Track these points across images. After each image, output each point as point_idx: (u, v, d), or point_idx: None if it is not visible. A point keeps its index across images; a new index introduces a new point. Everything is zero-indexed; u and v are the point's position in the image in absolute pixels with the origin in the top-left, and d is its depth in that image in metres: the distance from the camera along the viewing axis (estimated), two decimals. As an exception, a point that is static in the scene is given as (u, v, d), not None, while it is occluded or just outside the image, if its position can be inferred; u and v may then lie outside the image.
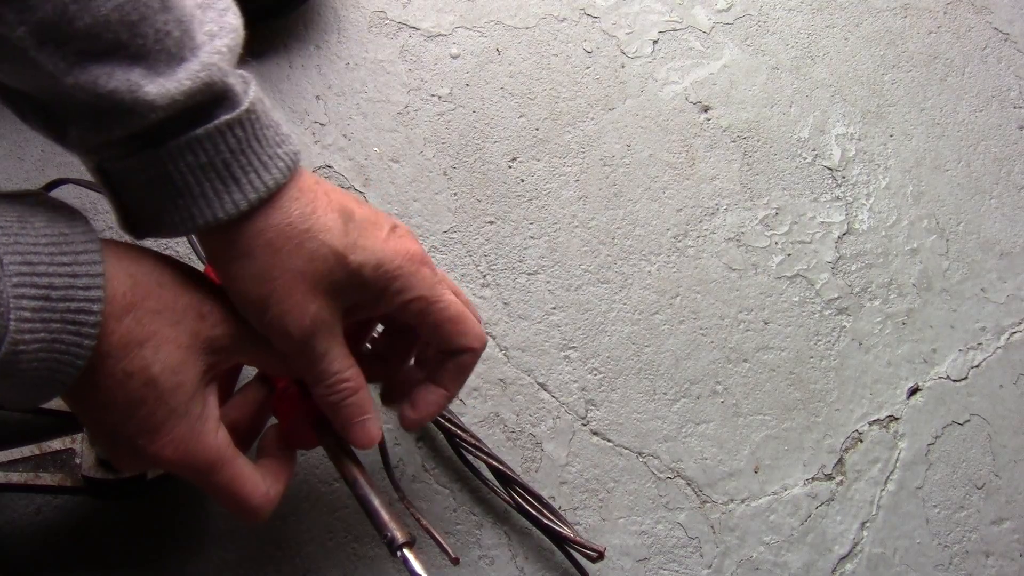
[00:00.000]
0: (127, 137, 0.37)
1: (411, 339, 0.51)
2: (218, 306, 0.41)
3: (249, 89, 0.39)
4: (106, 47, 0.35)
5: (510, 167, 0.69)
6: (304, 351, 0.43)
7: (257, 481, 0.43)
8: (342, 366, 0.44)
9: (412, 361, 0.52)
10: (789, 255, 0.71)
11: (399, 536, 0.45)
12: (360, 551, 0.57)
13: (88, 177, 0.43)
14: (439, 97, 0.71)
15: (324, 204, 0.42)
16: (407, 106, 0.70)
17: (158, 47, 0.36)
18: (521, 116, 0.71)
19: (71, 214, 0.37)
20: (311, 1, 0.70)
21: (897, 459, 0.66)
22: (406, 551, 0.45)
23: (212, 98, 0.38)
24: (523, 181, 0.69)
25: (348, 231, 0.42)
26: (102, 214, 0.62)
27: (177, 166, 0.38)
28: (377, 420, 0.46)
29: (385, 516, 0.45)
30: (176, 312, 0.39)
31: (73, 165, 0.64)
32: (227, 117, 0.38)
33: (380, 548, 0.57)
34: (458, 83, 0.71)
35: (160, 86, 0.36)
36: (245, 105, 0.38)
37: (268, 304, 0.41)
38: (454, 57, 0.72)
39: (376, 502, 0.46)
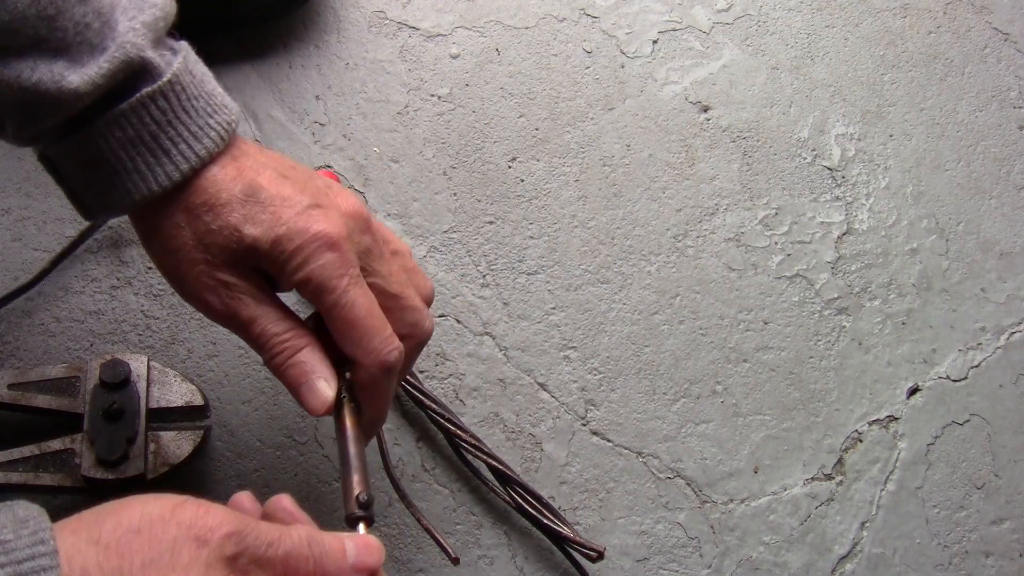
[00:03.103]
0: (60, 124, 0.38)
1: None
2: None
3: (174, 61, 0.39)
4: (26, 42, 0.36)
5: (510, 167, 0.69)
6: (230, 321, 0.42)
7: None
8: (277, 328, 0.41)
9: None
10: (789, 255, 0.71)
11: (355, 508, 0.40)
12: (360, 551, 0.57)
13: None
14: (439, 97, 0.71)
15: (233, 176, 0.41)
16: (407, 106, 0.70)
17: (79, 39, 0.37)
18: (521, 116, 0.71)
19: (17, 516, 0.31)
20: (311, 1, 0.70)
21: (897, 459, 0.66)
22: (362, 526, 0.40)
23: (132, 74, 0.38)
24: (523, 181, 0.69)
25: (247, 204, 0.40)
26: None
27: (108, 143, 0.39)
28: (329, 383, 0.41)
29: (355, 478, 0.41)
30: (164, 552, 0.33)
31: (73, 165, 0.64)
32: (148, 89, 0.38)
33: (380, 548, 0.57)
34: (458, 83, 0.71)
35: (82, 75, 0.37)
36: (167, 76, 0.39)
37: (181, 278, 0.41)
38: (454, 57, 0.72)
39: (351, 457, 0.41)
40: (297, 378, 0.41)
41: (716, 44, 0.77)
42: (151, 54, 0.38)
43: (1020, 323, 0.72)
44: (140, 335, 0.60)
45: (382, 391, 0.43)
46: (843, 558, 0.62)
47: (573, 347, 0.65)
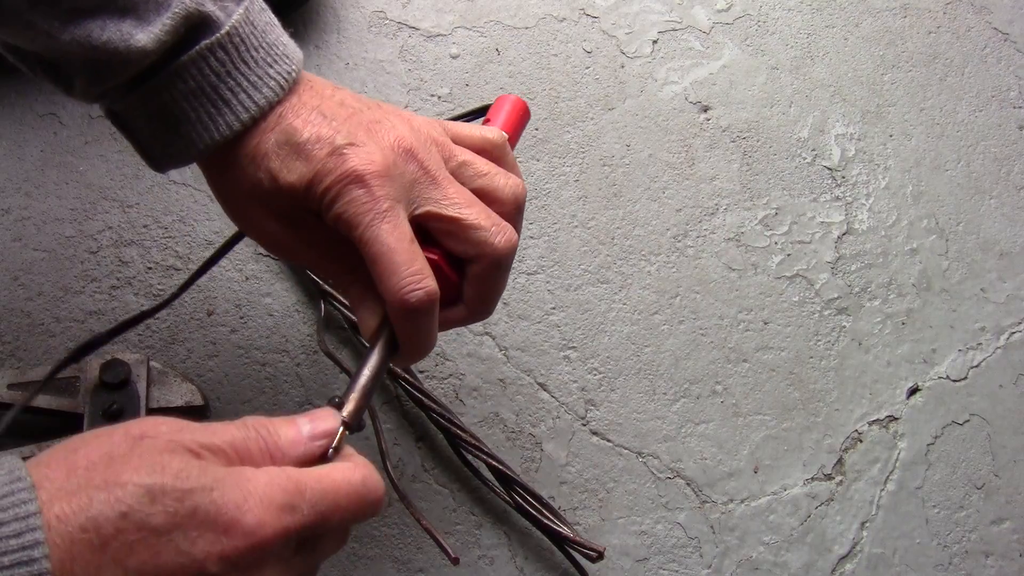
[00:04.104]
0: (126, 80, 0.40)
1: None
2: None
3: (235, 12, 0.40)
4: (96, 3, 0.37)
5: (510, 167, 0.69)
6: (301, 261, 0.44)
7: None
8: (330, 269, 0.43)
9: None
10: (789, 255, 0.71)
11: (345, 416, 0.38)
12: (360, 551, 0.57)
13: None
14: (439, 97, 0.71)
15: (274, 124, 0.41)
16: (407, 106, 0.70)
17: None
18: (521, 116, 0.71)
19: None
20: (311, 1, 0.70)
21: (897, 459, 0.66)
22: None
23: (192, 27, 0.39)
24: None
25: (282, 150, 0.41)
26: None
27: (171, 95, 0.40)
28: (373, 314, 0.42)
29: (355, 394, 0.39)
30: (116, 449, 0.33)
31: (72, 166, 0.64)
32: (206, 42, 0.39)
33: (380, 548, 0.57)
34: (458, 83, 0.71)
35: (149, 32, 0.38)
36: (225, 29, 0.40)
37: (247, 223, 0.43)
38: (454, 57, 0.72)
39: (364, 376, 0.40)
40: (352, 306, 0.44)
41: (716, 44, 0.77)
42: (210, 7, 0.39)
43: (1020, 323, 0.72)
44: (140, 335, 0.60)
45: (409, 330, 0.41)
46: (843, 558, 0.62)
47: (573, 347, 0.65)
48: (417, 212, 0.42)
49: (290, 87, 0.42)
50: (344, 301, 0.60)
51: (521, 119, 0.52)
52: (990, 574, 0.64)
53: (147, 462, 0.30)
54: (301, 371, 0.60)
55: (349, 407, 0.38)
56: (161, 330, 0.60)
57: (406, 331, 0.41)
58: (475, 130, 0.47)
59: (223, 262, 0.63)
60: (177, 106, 0.40)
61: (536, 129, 0.71)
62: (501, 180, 0.45)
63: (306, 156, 0.40)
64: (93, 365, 0.53)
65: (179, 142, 0.41)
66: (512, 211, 0.45)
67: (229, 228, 0.64)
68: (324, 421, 0.36)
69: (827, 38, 0.80)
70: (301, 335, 0.61)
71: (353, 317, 0.60)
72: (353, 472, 0.35)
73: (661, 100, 0.74)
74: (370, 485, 0.36)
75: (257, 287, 0.62)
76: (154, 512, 0.29)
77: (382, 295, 0.40)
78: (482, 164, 0.45)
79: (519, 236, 0.45)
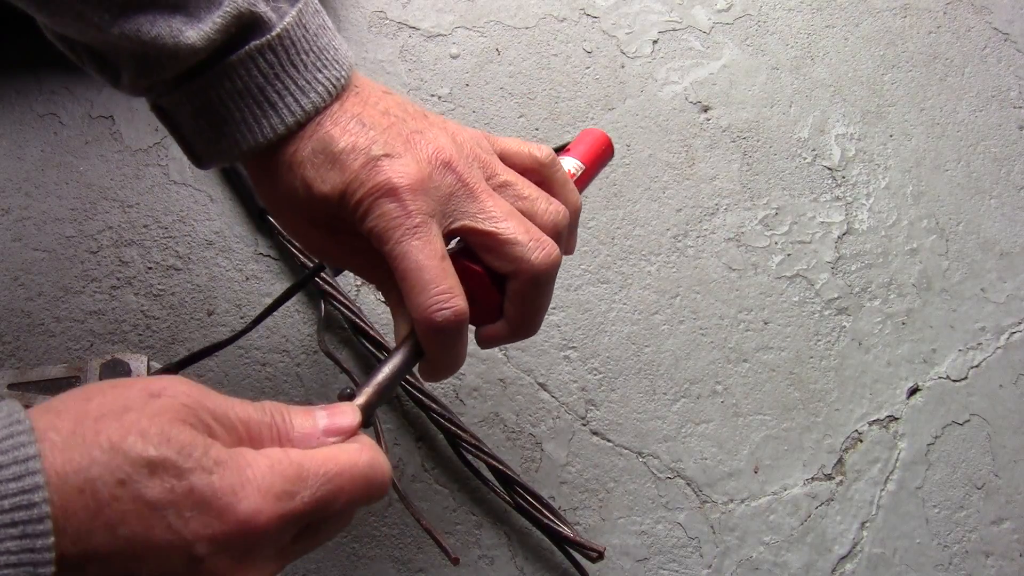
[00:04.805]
0: (174, 76, 0.39)
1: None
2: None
3: (288, 14, 0.40)
4: None
5: (510, 167, 0.69)
6: (345, 266, 0.44)
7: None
8: (365, 277, 0.44)
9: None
10: (789, 255, 0.71)
11: (358, 398, 0.38)
12: (360, 551, 0.57)
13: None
14: (439, 97, 0.71)
15: (312, 132, 0.40)
16: (407, 106, 0.70)
17: None
18: (521, 116, 0.71)
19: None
20: (311, 1, 0.70)
21: (897, 459, 0.66)
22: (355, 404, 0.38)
23: (243, 28, 0.39)
24: (523, 181, 0.69)
25: (317, 159, 0.40)
26: (102, 214, 0.62)
27: (218, 94, 0.39)
28: (405, 322, 0.41)
29: (371, 389, 0.39)
30: (118, 403, 0.32)
31: (72, 166, 0.64)
32: (256, 43, 0.39)
33: (380, 548, 0.57)
34: (458, 83, 0.71)
35: (199, 30, 0.38)
36: (276, 31, 0.39)
37: (285, 223, 0.44)
38: (454, 57, 0.72)
39: (383, 374, 0.39)
40: (390, 310, 0.44)
41: (716, 44, 0.77)
42: (263, 7, 0.39)
43: (1020, 323, 0.72)
44: (140, 335, 0.60)
45: (435, 347, 0.40)
46: (843, 558, 0.62)
47: (573, 347, 0.65)
48: (453, 226, 0.41)
49: (338, 93, 0.41)
50: (344, 301, 0.60)
51: (601, 154, 0.51)
52: (990, 574, 0.64)
53: (155, 428, 0.30)
54: (301, 371, 0.60)
55: (361, 400, 0.38)
56: (161, 330, 0.60)
57: (432, 348, 0.41)
58: (523, 146, 0.45)
59: (223, 262, 0.63)
60: (223, 105, 0.40)
61: (536, 129, 0.71)
62: (542, 205, 0.43)
63: (341, 166, 0.40)
64: (94, 365, 0.53)
65: (223, 141, 0.41)
66: (552, 237, 0.43)
67: (229, 228, 0.64)
68: (343, 416, 0.36)
69: (827, 38, 0.80)
70: (301, 335, 0.61)
71: (353, 317, 0.60)
72: (360, 454, 0.35)
73: (661, 100, 0.74)
74: (376, 467, 0.35)
75: (257, 287, 0.62)
76: (151, 485, 0.29)
77: (409, 312, 0.40)
78: (524, 186, 0.43)
79: (566, 253, 0.44)
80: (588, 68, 0.74)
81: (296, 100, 0.40)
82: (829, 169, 0.75)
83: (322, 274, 0.60)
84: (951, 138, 0.78)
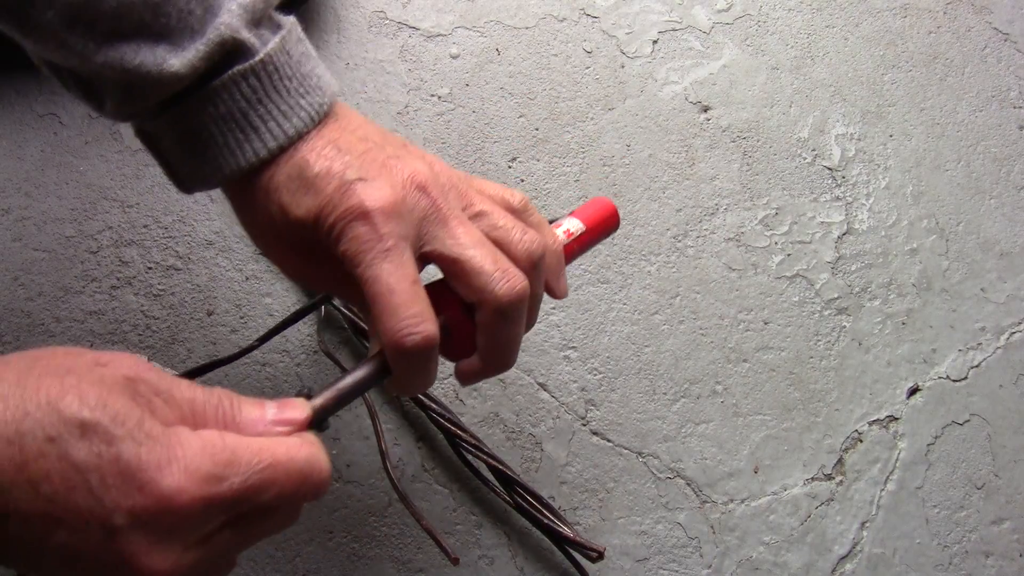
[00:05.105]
0: (158, 103, 0.40)
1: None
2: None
3: (271, 41, 0.40)
4: (132, 27, 0.37)
5: (510, 167, 0.69)
6: (326, 290, 0.44)
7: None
8: (345, 298, 0.43)
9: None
10: (789, 255, 0.71)
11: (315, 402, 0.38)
12: (360, 551, 0.57)
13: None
14: (439, 97, 0.71)
15: (288, 156, 0.41)
16: (407, 106, 0.70)
17: (181, 25, 0.38)
18: (521, 116, 0.71)
19: None
20: (311, 1, 0.70)
21: (897, 459, 0.66)
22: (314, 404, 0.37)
23: (226, 54, 0.39)
24: (523, 181, 0.69)
25: (291, 185, 0.40)
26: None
27: (201, 119, 0.40)
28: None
29: (330, 393, 0.38)
30: (61, 366, 0.33)
31: (72, 166, 0.64)
32: (239, 68, 0.39)
33: (380, 548, 0.57)
34: (458, 83, 0.71)
35: (182, 58, 0.38)
36: (260, 56, 0.40)
37: (266, 249, 0.43)
38: (454, 57, 0.72)
39: (345, 381, 0.39)
40: (368, 329, 0.43)
41: (716, 44, 0.77)
42: (246, 34, 0.40)
43: (1020, 323, 0.72)
44: (140, 335, 0.60)
45: (403, 369, 0.40)
46: (843, 558, 0.62)
47: (573, 347, 0.65)
48: (424, 250, 0.41)
49: (320, 119, 0.42)
50: (344, 301, 0.60)
51: (604, 220, 0.50)
52: (990, 574, 0.64)
53: (95, 393, 0.30)
54: (301, 371, 0.60)
55: (318, 401, 0.37)
56: (161, 330, 0.60)
57: (400, 370, 0.40)
58: (498, 189, 0.45)
59: (223, 262, 0.63)
60: (206, 130, 0.40)
61: (536, 129, 0.71)
62: (516, 235, 0.43)
63: (315, 190, 0.40)
64: (93, 365, 0.53)
65: (206, 166, 0.41)
66: (527, 268, 0.43)
67: (229, 228, 0.64)
68: (292, 410, 0.36)
69: (827, 38, 0.80)
70: (301, 335, 0.61)
71: (353, 317, 0.60)
72: (299, 449, 0.34)
73: (661, 100, 0.74)
74: (315, 464, 0.34)
75: (257, 287, 0.62)
76: (80, 447, 0.30)
77: (380, 335, 0.39)
78: (500, 217, 0.43)
79: (535, 291, 0.43)
80: (588, 68, 0.74)
81: (279, 125, 0.40)
82: (829, 169, 0.75)
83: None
84: (951, 138, 0.78)
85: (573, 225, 0.49)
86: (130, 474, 0.30)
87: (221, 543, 0.34)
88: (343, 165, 0.40)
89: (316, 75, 0.42)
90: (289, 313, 0.62)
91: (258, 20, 0.40)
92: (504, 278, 0.40)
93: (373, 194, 0.39)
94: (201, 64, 0.39)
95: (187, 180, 0.43)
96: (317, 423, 0.37)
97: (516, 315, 0.41)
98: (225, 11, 0.39)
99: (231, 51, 0.39)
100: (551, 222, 0.49)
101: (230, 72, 0.39)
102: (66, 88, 0.42)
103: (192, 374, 0.53)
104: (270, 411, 0.35)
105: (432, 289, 0.41)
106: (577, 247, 0.49)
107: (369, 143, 0.42)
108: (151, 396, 0.32)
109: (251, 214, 0.42)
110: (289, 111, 0.41)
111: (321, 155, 0.40)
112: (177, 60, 0.38)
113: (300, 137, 0.41)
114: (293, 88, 0.41)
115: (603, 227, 0.51)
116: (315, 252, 0.41)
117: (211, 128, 0.40)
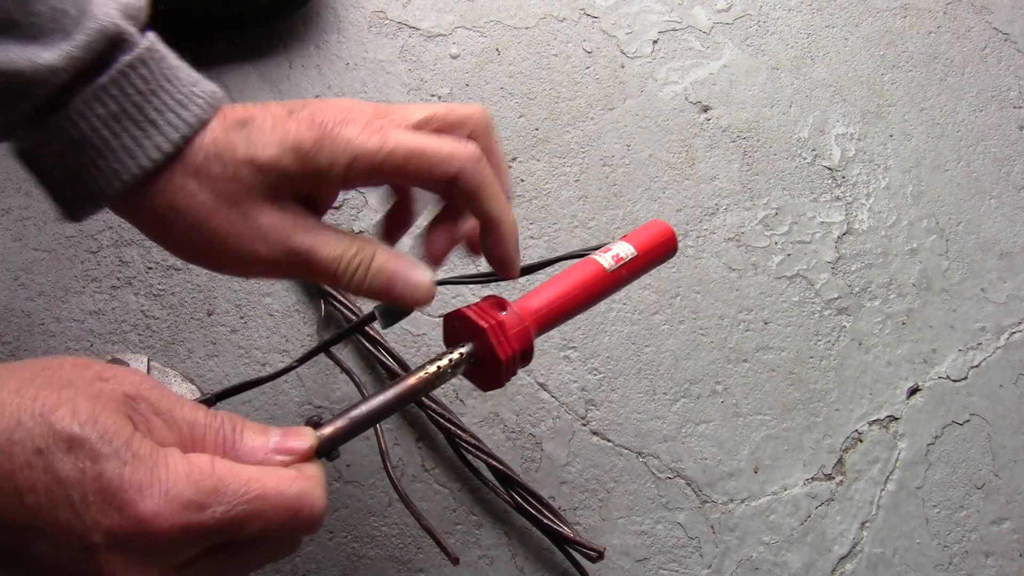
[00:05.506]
0: (36, 111, 0.36)
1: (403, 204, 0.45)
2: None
3: (148, 34, 0.38)
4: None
5: (510, 167, 0.69)
6: (289, 261, 0.38)
7: None
8: (340, 247, 0.38)
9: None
10: (789, 255, 0.71)
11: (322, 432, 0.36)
12: (360, 551, 0.57)
13: None
14: (439, 97, 0.71)
15: (222, 124, 0.38)
16: (407, 106, 0.70)
17: (53, 25, 0.35)
18: (521, 116, 0.71)
19: None
20: (311, 1, 0.70)
21: (897, 459, 0.66)
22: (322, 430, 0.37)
23: (109, 46, 0.36)
24: (523, 181, 0.69)
25: (245, 135, 0.38)
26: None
27: (89, 122, 0.36)
28: (422, 269, 0.39)
29: (341, 422, 0.37)
30: (63, 379, 0.33)
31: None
32: (127, 58, 0.36)
33: (380, 548, 0.57)
34: (458, 83, 0.71)
35: (56, 50, 0.35)
36: (145, 44, 0.37)
37: (215, 246, 0.38)
38: (454, 57, 0.72)
39: (359, 410, 0.38)
40: (386, 284, 0.39)
41: (716, 44, 0.77)
42: (127, 25, 0.37)
43: (1020, 323, 0.72)
44: (140, 335, 0.60)
45: (480, 180, 0.39)
46: (843, 558, 0.62)
47: (573, 347, 0.65)
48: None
49: (215, 108, 0.39)
50: (344, 301, 0.60)
51: (660, 245, 0.48)
52: (990, 574, 0.64)
53: (87, 408, 0.30)
54: (301, 371, 0.60)
55: (327, 431, 0.36)
56: (161, 330, 0.60)
57: (479, 187, 0.39)
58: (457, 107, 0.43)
59: (223, 262, 0.63)
60: (96, 134, 0.36)
61: (536, 129, 0.71)
62: (441, 111, 0.40)
63: (274, 130, 0.37)
64: (93, 365, 0.53)
65: (100, 178, 0.37)
66: (480, 131, 0.41)
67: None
68: (296, 439, 0.35)
69: (827, 38, 0.80)
70: (301, 335, 0.61)
71: (353, 317, 0.60)
72: (291, 483, 0.33)
73: (661, 100, 0.74)
74: (306, 500, 0.33)
75: (257, 287, 0.62)
76: (65, 461, 0.29)
77: (447, 183, 0.38)
78: (420, 110, 0.40)
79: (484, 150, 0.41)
80: (588, 68, 0.74)
81: (177, 115, 0.37)
82: (829, 169, 0.75)
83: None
84: (951, 138, 0.78)
85: (623, 250, 0.47)
86: (111, 493, 0.30)
87: (205, 570, 0.33)
88: (280, 107, 0.38)
89: (193, 70, 0.39)
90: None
91: (133, 17, 0.38)
92: (454, 147, 0.39)
93: (336, 104, 0.38)
94: (80, 54, 0.35)
95: (75, 201, 0.38)
96: (325, 452, 0.36)
97: (485, 177, 0.40)
98: (103, 5, 0.36)
99: (114, 41, 0.36)
100: (600, 247, 0.47)
101: (118, 64, 0.36)
102: None
103: (225, 394, 0.51)
104: (272, 439, 0.34)
105: (454, 318, 0.41)
106: (626, 273, 0.47)
107: (270, 104, 0.40)
108: (149, 415, 0.32)
109: (183, 208, 0.38)
110: (185, 99, 0.38)
111: (255, 109, 0.38)
112: (49, 53, 0.35)
113: (203, 125, 0.38)
114: (184, 76, 0.38)
115: (656, 252, 0.48)
116: (276, 210, 0.38)
117: (101, 132, 0.36)
